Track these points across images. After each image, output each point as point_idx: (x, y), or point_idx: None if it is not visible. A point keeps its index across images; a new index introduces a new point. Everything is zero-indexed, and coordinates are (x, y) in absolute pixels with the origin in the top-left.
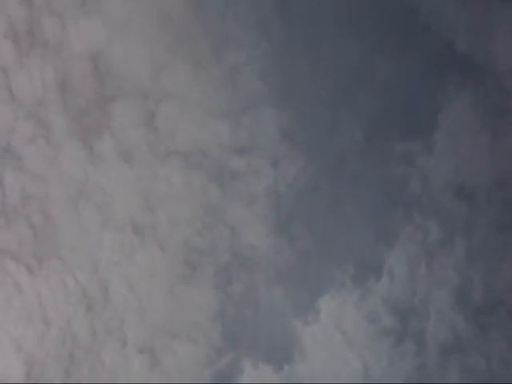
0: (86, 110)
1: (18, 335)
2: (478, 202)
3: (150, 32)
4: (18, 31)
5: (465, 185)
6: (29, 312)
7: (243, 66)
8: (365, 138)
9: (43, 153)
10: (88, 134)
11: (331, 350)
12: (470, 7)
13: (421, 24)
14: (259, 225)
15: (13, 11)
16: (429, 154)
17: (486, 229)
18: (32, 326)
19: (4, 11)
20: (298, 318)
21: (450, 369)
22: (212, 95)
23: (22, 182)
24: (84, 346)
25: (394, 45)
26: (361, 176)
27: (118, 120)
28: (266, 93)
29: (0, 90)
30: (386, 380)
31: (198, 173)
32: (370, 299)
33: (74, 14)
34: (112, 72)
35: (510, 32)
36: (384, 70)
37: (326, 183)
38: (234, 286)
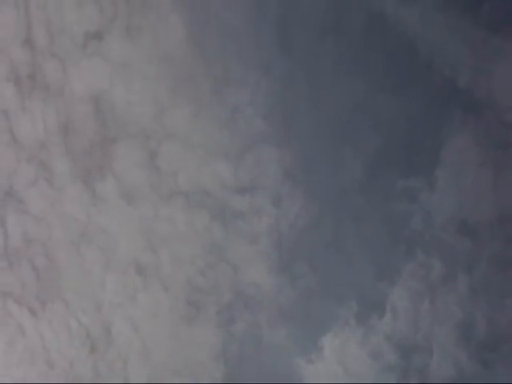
0: (88, 151)
1: (21, 377)
2: (481, 237)
3: (151, 73)
4: (19, 74)
5: (467, 221)
6: (32, 354)
7: (245, 105)
8: (366, 175)
9: (45, 195)
10: (90, 176)
11: None
12: (470, 43)
13: (422, 60)
14: (261, 263)
15: (15, 55)
16: (431, 190)
17: (489, 265)
18: (35, 368)
19: (6, 55)
20: (302, 356)
21: None
22: (214, 135)
23: (25, 224)
24: None
25: (395, 81)
26: (363, 213)
27: (120, 161)
28: (268, 132)
29: (2, 133)
30: None
31: (201, 212)
32: (373, 336)
33: (75, 57)
34: (114, 113)
35: (511, 68)
36: (385, 106)
37: (328, 221)
38: (237, 324)
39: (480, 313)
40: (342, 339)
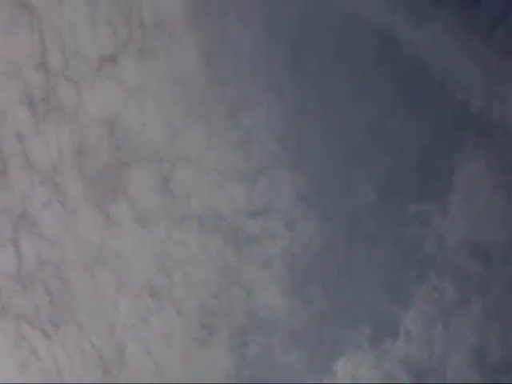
0: (101, 174)
1: None
2: (494, 261)
3: (165, 96)
4: (33, 97)
5: (480, 244)
6: (45, 377)
7: (259, 128)
8: (379, 199)
9: (59, 218)
10: (104, 199)
11: None
12: (483, 67)
13: (434, 84)
14: (274, 286)
15: (29, 78)
16: (444, 214)
17: (502, 288)
18: None
19: (20, 78)
20: (315, 379)
21: None
22: (227, 158)
23: (39, 247)
24: None
25: (407, 104)
26: (375, 236)
27: (134, 184)
28: (282, 155)
29: (16, 156)
30: None
31: (214, 236)
32: (386, 360)
33: (89, 80)
34: (127, 136)
35: None
36: (398, 130)
37: (341, 244)
38: (250, 347)
39: (493, 336)
40: (355, 363)
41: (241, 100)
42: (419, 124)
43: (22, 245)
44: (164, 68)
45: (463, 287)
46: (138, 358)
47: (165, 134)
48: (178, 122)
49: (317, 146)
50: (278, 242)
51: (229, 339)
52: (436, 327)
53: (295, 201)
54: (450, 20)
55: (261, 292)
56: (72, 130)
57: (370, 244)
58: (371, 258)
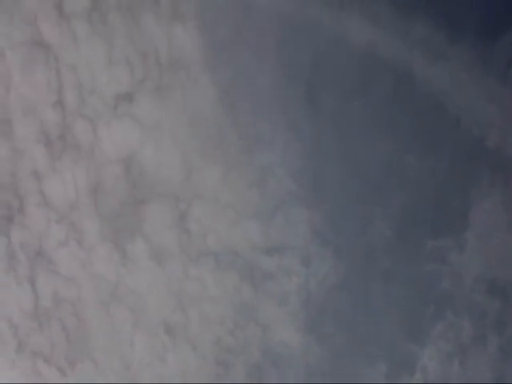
0: (118, 212)
1: None
2: (510, 297)
3: (181, 134)
4: (50, 135)
5: (497, 281)
6: None
7: (274, 165)
8: (395, 235)
9: (75, 256)
10: (120, 237)
11: None
12: (499, 103)
13: (450, 120)
14: (290, 322)
15: (45, 116)
16: (460, 250)
17: None
18: None
19: (37, 116)
20: None
21: None
22: (243, 195)
23: (55, 284)
24: None
25: (423, 141)
26: (391, 273)
27: (150, 222)
28: (297, 192)
29: (33, 195)
30: None
31: (230, 273)
32: None
33: (105, 118)
34: (144, 174)
35: None
36: (413, 166)
37: (357, 280)
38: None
39: (510, 373)
40: None
41: (257, 137)
42: (435, 160)
43: (38, 282)
44: (180, 106)
45: (480, 324)
46: None
47: (181, 171)
48: (193, 160)
49: (332, 183)
50: (293, 279)
51: (244, 375)
52: (453, 364)
53: (311, 237)
54: (466, 57)
55: (276, 328)
56: (88, 167)
57: (385, 281)
58: (387, 295)
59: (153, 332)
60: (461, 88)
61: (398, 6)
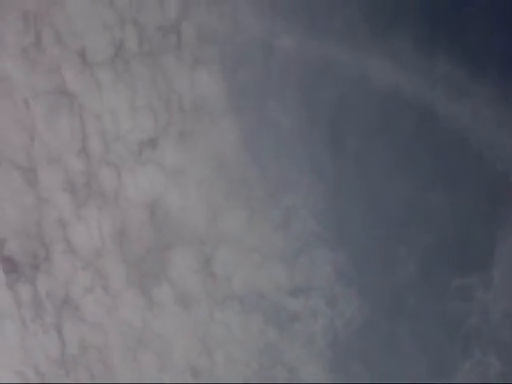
0: (143, 258)
1: None
2: None
3: (205, 178)
4: (75, 183)
5: None
6: None
7: (298, 207)
8: (420, 274)
9: (101, 302)
10: (146, 282)
11: None
12: None
13: (473, 156)
14: (317, 363)
15: (70, 165)
16: (486, 288)
17: None
18: None
19: (62, 165)
20: None
21: None
22: (268, 238)
23: (81, 331)
24: None
25: (446, 177)
26: (417, 311)
27: (176, 267)
28: (321, 233)
29: (58, 242)
30: None
31: (255, 315)
32: None
33: (130, 164)
34: (169, 219)
35: None
36: (437, 204)
37: (383, 320)
38: None
39: None
40: None
41: (280, 180)
42: (459, 197)
43: (64, 330)
44: (204, 150)
45: (508, 361)
46: None
47: (205, 215)
48: (218, 204)
49: (356, 223)
50: (319, 320)
51: None
52: None
53: (336, 278)
54: (488, 94)
55: (303, 369)
56: (113, 214)
57: (411, 319)
58: (413, 334)
59: (179, 376)
60: (483, 124)
61: (419, 44)
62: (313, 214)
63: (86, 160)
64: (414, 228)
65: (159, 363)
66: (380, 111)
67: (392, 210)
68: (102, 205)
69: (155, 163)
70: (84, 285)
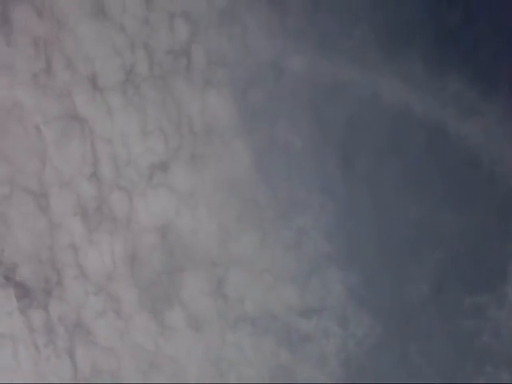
0: (155, 281)
1: None
2: None
3: (216, 200)
4: (86, 208)
5: None
6: None
7: (310, 228)
8: (432, 293)
9: (114, 326)
10: (158, 305)
11: None
12: None
13: (485, 174)
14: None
15: (81, 190)
16: (499, 306)
17: None
18: None
19: (73, 189)
20: None
21: None
22: (280, 259)
23: (94, 356)
24: None
25: (458, 196)
26: (430, 331)
27: (188, 290)
28: (333, 254)
29: (70, 267)
30: None
31: (267, 337)
32: None
33: (141, 188)
34: (180, 242)
35: None
36: (449, 222)
37: (395, 339)
38: None
39: None
40: None
41: (292, 201)
42: (471, 215)
43: (76, 354)
44: (215, 173)
45: None
46: None
47: (217, 238)
48: (229, 226)
49: (368, 243)
50: (331, 340)
51: None
52: None
53: (347, 298)
54: (499, 112)
55: None
56: (125, 238)
57: (424, 338)
58: (426, 353)
59: None
60: (494, 142)
61: (429, 63)
62: (324, 234)
63: (97, 184)
64: (426, 247)
65: None
66: (391, 131)
67: (403, 229)
68: (113, 229)
69: (166, 186)
70: (96, 309)
